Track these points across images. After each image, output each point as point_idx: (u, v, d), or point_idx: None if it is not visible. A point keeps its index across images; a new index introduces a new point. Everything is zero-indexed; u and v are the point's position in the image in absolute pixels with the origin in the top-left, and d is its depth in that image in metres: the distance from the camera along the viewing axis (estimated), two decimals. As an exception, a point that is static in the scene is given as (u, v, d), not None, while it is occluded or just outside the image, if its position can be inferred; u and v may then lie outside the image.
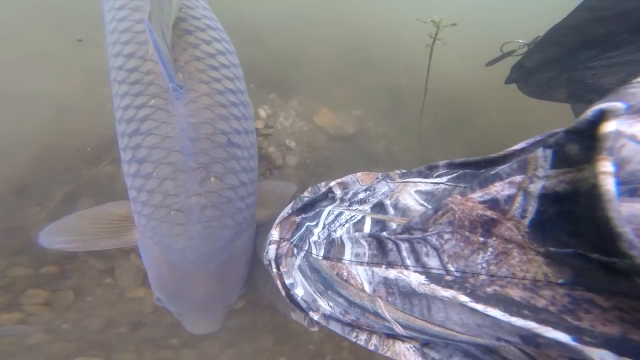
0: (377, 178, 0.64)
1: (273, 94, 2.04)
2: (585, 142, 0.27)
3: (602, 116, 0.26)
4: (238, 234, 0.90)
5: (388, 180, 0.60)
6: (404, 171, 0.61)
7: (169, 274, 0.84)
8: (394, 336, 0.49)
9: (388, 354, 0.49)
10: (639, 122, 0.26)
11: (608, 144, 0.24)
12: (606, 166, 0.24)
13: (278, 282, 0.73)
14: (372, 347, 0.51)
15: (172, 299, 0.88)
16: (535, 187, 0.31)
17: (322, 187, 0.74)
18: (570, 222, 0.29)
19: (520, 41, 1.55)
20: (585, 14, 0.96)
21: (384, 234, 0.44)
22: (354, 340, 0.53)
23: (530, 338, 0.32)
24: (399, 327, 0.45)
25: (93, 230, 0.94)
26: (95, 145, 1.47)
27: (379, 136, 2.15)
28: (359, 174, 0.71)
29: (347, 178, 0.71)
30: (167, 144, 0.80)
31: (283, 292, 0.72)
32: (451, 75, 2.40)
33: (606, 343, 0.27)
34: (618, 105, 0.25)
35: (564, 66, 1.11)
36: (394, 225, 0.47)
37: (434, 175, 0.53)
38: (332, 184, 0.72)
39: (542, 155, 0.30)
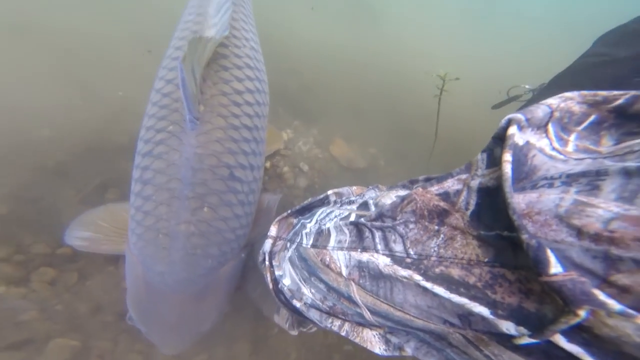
0: (368, 188, 0.74)
1: (297, 120, 2.24)
2: (502, 144, 0.36)
3: (509, 123, 0.36)
4: (222, 263, 0.91)
5: (376, 189, 0.70)
6: (391, 185, 0.71)
7: (147, 294, 0.86)
8: (363, 324, 0.55)
9: (357, 340, 0.54)
10: (544, 138, 0.36)
11: (510, 142, 0.34)
12: (507, 157, 0.34)
13: (268, 276, 0.79)
14: (343, 333, 0.56)
15: (144, 319, 0.89)
16: (475, 183, 0.40)
17: (320, 196, 0.84)
18: (495, 210, 0.37)
19: (526, 87, 1.67)
20: (592, 59, 1.00)
21: (362, 220, 0.53)
22: (329, 326, 0.58)
23: (465, 317, 0.38)
24: (368, 312, 0.51)
25: (102, 229, 1.03)
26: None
27: (388, 174, 2.26)
28: (354, 187, 0.81)
29: (343, 189, 0.81)
30: (171, 171, 0.84)
31: (271, 286, 0.78)
32: (463, 121, 2.54)
33: (510, 315, 0.34)
34: (519, 116, 0.36)
35: None
36: (371, 206, 0.56)
37: (414, 187, 0.62)
38: (329, 192, 0.82)
39: (480, 158, 0.40)
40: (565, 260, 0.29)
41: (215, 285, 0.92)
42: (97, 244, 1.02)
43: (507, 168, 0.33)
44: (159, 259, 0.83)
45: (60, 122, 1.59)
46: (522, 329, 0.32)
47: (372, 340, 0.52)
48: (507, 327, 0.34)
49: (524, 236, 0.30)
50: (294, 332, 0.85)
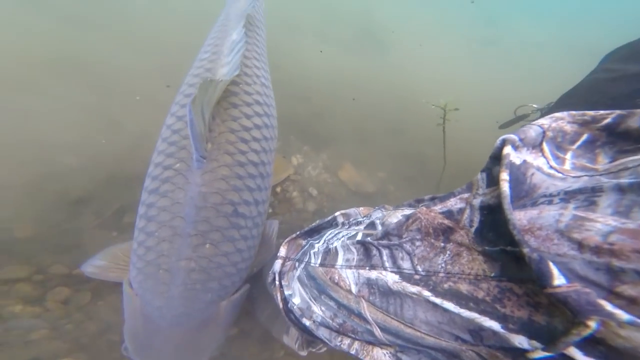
0: (375, 208, 0.76)
1: (307, 145, 2.31)
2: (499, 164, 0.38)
3: (504, 143, 0.38)
4: (222, 297, 0.92)
5: (383, 210, 0.72)
6: (397, 205, 0.73)
7: (144, 327, 0.87)
8: (373, 343, 0.54)
9: (367, 359, 0.53)
10: (540, 157, 0.38)
11: (506, 161, 0.36)
12: (504, 176, 0.36)
13: (278, 295, 0.80)
14: (353, 352, 0.55)
15: (139, 352, 0.88)
16: (477, 202, 0.42)
17: (328, 217, 0.86)
18: (498, 226, 0.38)
19: (534, 106, 1.67)
20: (602, 75, 0.99)
21: (369, 239, 0.55)
22: (338, 344, 0.57)
23: (476, 332, 0.38)
24: (378, 330, 0.51)
25: (116, 258, 1.06)
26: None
27: (397, 198, 2.25)
28: (360, 208, 0.83)
29: (350, 210, 0.83)
30: (175, 209, 0.86)
31: (281, 305, 0.78)
32: (472, 145, 2.56)
33: (521, 328, 0.34)
34: (513, 136, 0.38)
35: None
36: (378, 226, 0.57)
37: (420, 206, 0.63)
38: (336, 214, 0.84)
39: (480, 178, 0.42)
40: (569, 273, 0.30)
41: (214, 318, 0.91)
42: (105, 271, 1.04)
43: (505, 187, 0.35)
44: (158, 293, 0.84)
45: (85, 151, 1.69)
46: (535, 343, 0.32)
47: (383, 359, 0.51)
48: (520, 341, 0.34)
49: (525, 250, 0.31)
50: (304, 353, 0.83)
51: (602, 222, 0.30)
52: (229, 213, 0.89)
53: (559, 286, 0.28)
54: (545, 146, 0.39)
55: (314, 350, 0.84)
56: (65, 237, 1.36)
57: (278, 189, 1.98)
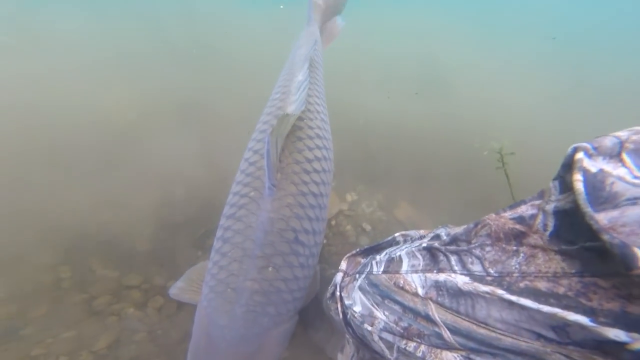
0: (438, 227, 0.78)
1: (362, 185, 2.40)
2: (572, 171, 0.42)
3: (575, 150, 0.42)
4: (277, 325, 0.93)
5: (447, 227, 0.74)
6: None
7: (205, 346, 0.91)
8: (442, 347, 0.54)
9: None
10: (621, 167, 0.41)
11: (578, 165, 0.40)
12: (578, 177, 0.39)
13: (338, 307, 0.83)
14: (420, 354, 0.55)
15: None
16: (550, 207, 0.45)
17: (387, 238, 0.90)
18: (575, 227, 0.41)
19: None
20: None
21: (436, 244, 0.58)
22: (403, 346, 0.57)
23: (560, 328, 0.39)
24: (447, 332, 0.51)
25: (192, 282, 1.15)
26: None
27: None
28: (421, 230, 0.85)
29: (410, 231, 0.86)
30: (247, 232, 0.93)
31: (340, 316, 0.81)
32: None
33: (616, 321, 0.34)
34: (585, 144, 0.42)
35: None
36: (443, 236, 0.60)
37: None
38: (396, 234, 0.87)
39: (553, 185, 0.45)
40: None
41: (266, 347, 0.93)
42: (183, 293, 1.15)
43: (579, 185, 0.39)
44: (224, 312, 0.89)
45: (187, 183, 2.06)
46: (636, 335, 0.32)
47: None
48: (616, 334, 0.34)
49: (606, 237, 0.34)
50: None
51: None
52: (291, 239, 0.95)
53: None
54: (625, 157, 0.41)
55: None
56: (165, 254, 1.62)
57: (332, 222, 2.07)
